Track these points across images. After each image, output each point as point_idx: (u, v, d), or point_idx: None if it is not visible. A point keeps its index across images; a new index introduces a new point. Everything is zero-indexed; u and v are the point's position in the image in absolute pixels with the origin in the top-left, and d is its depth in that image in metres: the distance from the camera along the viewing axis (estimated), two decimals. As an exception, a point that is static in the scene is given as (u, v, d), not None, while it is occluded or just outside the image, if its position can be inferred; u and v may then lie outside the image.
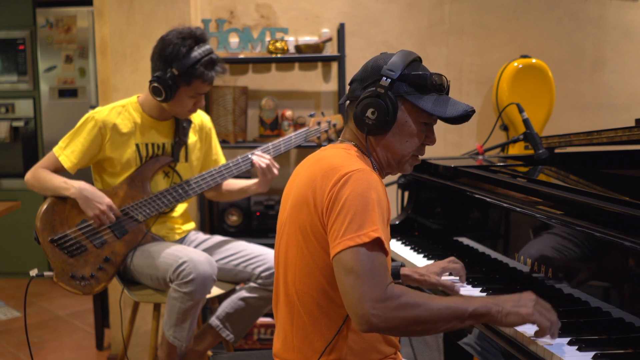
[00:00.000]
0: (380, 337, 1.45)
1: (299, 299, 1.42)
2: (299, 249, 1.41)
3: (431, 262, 1.98)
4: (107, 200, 2.28)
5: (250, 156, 2.43)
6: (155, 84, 2.25)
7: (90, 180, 2.46)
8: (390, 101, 1.40)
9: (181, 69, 2.22)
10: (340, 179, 1.33)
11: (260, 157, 2.40)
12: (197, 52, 2.24)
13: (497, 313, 1.29)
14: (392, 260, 2.10)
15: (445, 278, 1.75)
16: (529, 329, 1.37)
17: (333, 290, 1.37)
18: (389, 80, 1.40)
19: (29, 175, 2.34)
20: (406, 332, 1.30)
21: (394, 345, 1.49)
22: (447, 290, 1.69)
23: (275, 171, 2.42)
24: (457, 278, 1.76)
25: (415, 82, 1.43)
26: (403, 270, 1.74)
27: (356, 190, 1.30)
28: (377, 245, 1.27)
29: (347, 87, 1.53)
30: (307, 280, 1.40)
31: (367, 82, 1.44)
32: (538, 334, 1.32)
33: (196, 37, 2.26)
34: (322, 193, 1.35)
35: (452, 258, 1.77)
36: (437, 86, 1.44)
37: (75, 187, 2.27)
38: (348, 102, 1.52)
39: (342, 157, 1.40)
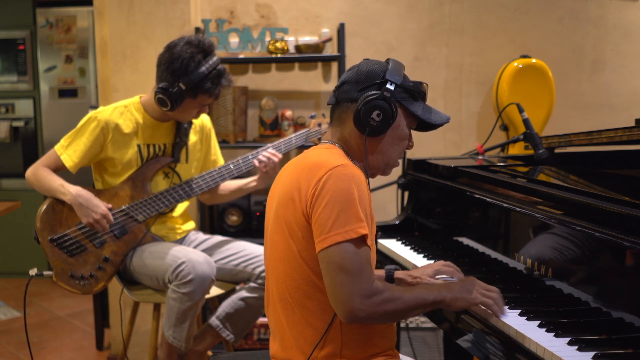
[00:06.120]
0: (377, 331, 1.49)
1: (290, 294, 1.45)
2: (286, 245, 1.44)
3: (431, 262, 1.99)
4: (102, 208, 2.27)
5: (251, 158, 2.43)
6: (161, 96, 2.25)
7: (90, 180, 2.46)
8: (394, 105, 1.47)
9: (188, 84, 2.22)
10: (324, 174, 1.38)
11: (272, 154, 2.40)
12: (204, 67, 2.23)
13: (449, 300, 1.43)
14: (389, 262, 2.10)
15: (441, 277, 1.74)
16: (529, 329, 1.37)
17: (321, 281, 1.40)
18: (394, 85, 1.47)
19: (29, 172, 2.35)
20: (383, 321, 1.43)
21: (390, 339, 1.53)
22: None
23: (278, 169, 2.42)
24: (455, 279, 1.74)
25: (409, 90, 1.52)
26: (397, 274, 1.76)
27: (340, 186, 1.35)
28: (363, 241, 1.34)
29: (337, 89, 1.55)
30: (295, 274, 1.44)
31: (364, 85, 1.48)
32: (490, 310, 1.46)
33: (204, 50, 2.26)
34: (307, 188, 1.39)
35: (448, 262, 1.77)
36: (424, 95, 1.55)
37: (71, 193, 2.26)
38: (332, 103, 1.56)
39: (325, 155, 1.46)
